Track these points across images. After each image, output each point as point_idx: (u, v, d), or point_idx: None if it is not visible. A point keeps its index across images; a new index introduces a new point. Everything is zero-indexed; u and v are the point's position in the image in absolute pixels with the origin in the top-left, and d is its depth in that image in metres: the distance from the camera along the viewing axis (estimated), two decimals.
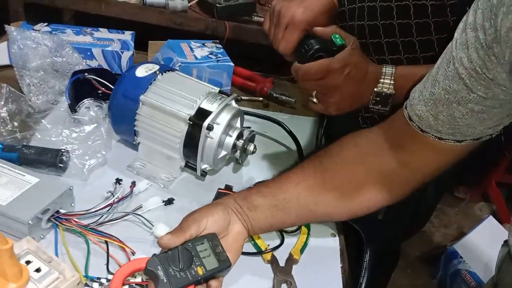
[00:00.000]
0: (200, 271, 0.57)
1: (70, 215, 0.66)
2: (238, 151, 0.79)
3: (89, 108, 0.85)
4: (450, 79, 0.53)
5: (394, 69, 0.73)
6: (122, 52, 1.06)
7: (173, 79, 0.81)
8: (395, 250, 1.21)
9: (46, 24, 1.09)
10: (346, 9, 0.81)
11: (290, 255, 0.70)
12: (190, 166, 0.80)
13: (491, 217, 1.79)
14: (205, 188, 0.80)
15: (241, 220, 0.65)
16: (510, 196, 2.38)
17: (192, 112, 0.75)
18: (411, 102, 0.61)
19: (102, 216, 0.68)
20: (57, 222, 0.65)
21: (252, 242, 0.71)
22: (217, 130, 0.75)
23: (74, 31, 1.09)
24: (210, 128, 0.73)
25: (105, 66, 1.06)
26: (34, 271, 0.55)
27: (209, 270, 0.58)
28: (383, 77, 0.73)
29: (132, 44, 1.10)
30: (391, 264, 1.22)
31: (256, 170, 0.88)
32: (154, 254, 0.57)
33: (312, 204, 0.68)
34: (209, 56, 1.06)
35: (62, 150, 0.75)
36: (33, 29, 1.02)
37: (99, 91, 0.87)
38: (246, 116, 0.86)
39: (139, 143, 0.82)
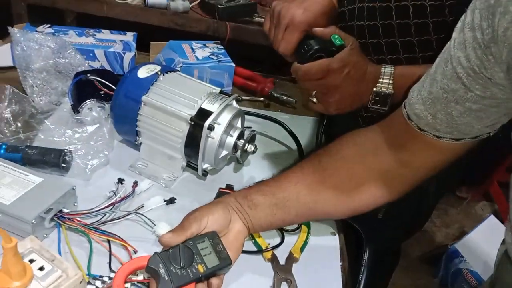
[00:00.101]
0: (201, 268, 0.57)
1: (73, 215, 0.67)
2: (239, 151, 0.80)
3: (92, 109, 0.86)
4: (448, 78, 0.53)
5: (393, 69, 0.73)
6: (124, 53, 1.07)
7: (175, 80, 0.82)
8: (395, 250, 1.22)
9: (48, 25, 1.10)
10: (345, 10, 0.81)
11: (290, 254, 0.70)
12: (191, 165, 0.81)
13: (492, 216, 1.79)
14: (206, 188, 0.81)
15: (242, 218, 0.65)
16: None
17: (193, 112, 0.76)
18: (410, 101, 0.61)
19: (105, 215, 0.68)
20: (60, 221, 0.65)
21: (253, 240, 0.71)
22: (218, 130, 0.76)
23: (77, 33, 1.10)
24: (211, 128, 0.74)
25: (107, 67, 1.06)
26: (38, 269, 0.55)
27: (210, 268, 0.58)
28: (382, 77, 0.73)
29: (134, 45, 1.10)
30: (391, 264, 1.22)
31: (257, 169, 0.89)
32: (156, 252, 0.58)
33: (311, 202, 0.68)
34: (210, 56, 1.07)
35: (65, 150, 0.76)
36: (36, 31, 1.03)
37: (102, 92, 0.88)
38: (247, 116, 0.87)
39: (141, 143, 0.82)
